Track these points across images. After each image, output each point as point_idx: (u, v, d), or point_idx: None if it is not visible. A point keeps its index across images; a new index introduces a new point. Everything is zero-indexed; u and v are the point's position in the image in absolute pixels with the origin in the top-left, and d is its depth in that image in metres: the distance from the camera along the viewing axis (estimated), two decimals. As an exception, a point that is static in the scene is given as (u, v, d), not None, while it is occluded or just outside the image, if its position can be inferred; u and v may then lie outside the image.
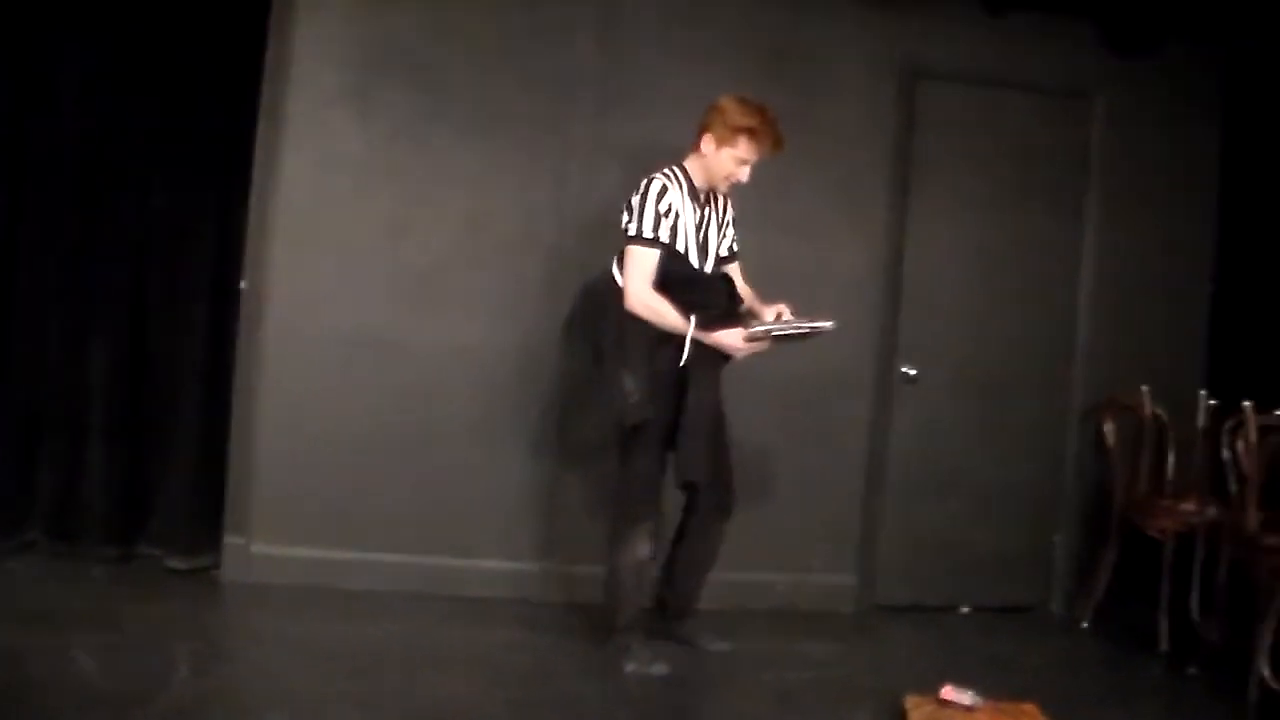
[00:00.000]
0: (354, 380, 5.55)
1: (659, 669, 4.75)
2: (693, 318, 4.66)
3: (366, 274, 5.58)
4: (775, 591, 5.90)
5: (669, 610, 5.16)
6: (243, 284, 5.56)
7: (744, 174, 4.81)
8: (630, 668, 4.76)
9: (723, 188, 4.88)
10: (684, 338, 4.66)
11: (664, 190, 4.72)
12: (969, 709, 4.35)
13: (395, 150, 5.60)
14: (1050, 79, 6.23)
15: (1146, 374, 6.10)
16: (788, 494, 5.88)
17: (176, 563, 5.53)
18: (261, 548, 5.50)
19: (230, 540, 5.55)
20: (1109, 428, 6.20)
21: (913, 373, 6.06)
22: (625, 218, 4.76)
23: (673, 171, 4.82)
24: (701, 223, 4.86)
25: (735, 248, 5.06)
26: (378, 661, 4.66)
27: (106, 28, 5.43)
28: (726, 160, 4.75)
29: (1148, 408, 6.07)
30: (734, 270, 5.04)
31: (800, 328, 4.76)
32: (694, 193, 4.84)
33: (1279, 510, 5.09)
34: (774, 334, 4.74)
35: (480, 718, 4.16)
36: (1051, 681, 5.15)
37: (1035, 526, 6.31)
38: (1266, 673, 4.99)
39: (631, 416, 4.69)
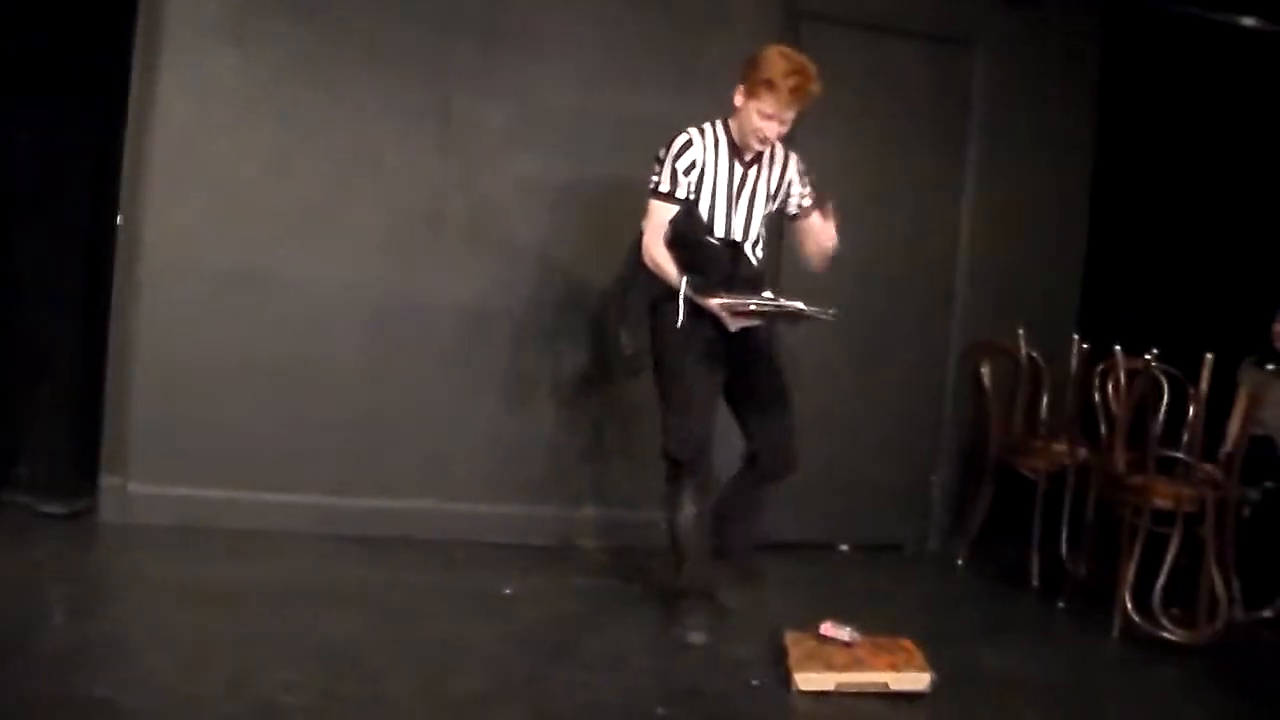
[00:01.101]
0: (234, 317, 5.46)
1: (695, 637, 4.58)
2: (684, 279, 4.55)
3: (246, 209, 5.47)
4: (662, 530, 5.95)
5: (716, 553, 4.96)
6: (119, 218, 5.42)
7: (769, 129, 4.55)
8: (676, 631, 4.62)
9: (754, 145, 4.62)
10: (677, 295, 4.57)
11: (687, 145, 4.59)
12: (847, 644, 4.45)
13: (277, 82, 5.48)
14: (934, 26, 6.32)
15: (1023, 317, 6.24)
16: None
17: (51, 507, 5.38)
18: (139, 488, 5.40)
19: (106, 481, 5.44)
20: (985, 369, 6.35)
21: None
22: (654, 168, 4.64)
23: (710, 127, 4.66)
24: (740, 181, 4.66)
25: (807, 202, 4.78)
26: (260, 601, 4.62)
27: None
28: (751, 114, 4.54)
29: (1023, 350, 6.22)
30: (806, 226, 4.80)
31: (785, 306, 4.52)
32: (735, 150, 4.65)
33: (1145, 451, 5.25)
34: (752, 308, 4.51)
35: (364, 656, 4.14)
36: (927, 616, 5.29)
37: (913, 466, 6.45)
38: (1129, 606, 5.18)
39: (628, 369, 4.71)
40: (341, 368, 5.60)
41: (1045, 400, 6.30)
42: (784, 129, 4.58)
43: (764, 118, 4.52)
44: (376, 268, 5.62)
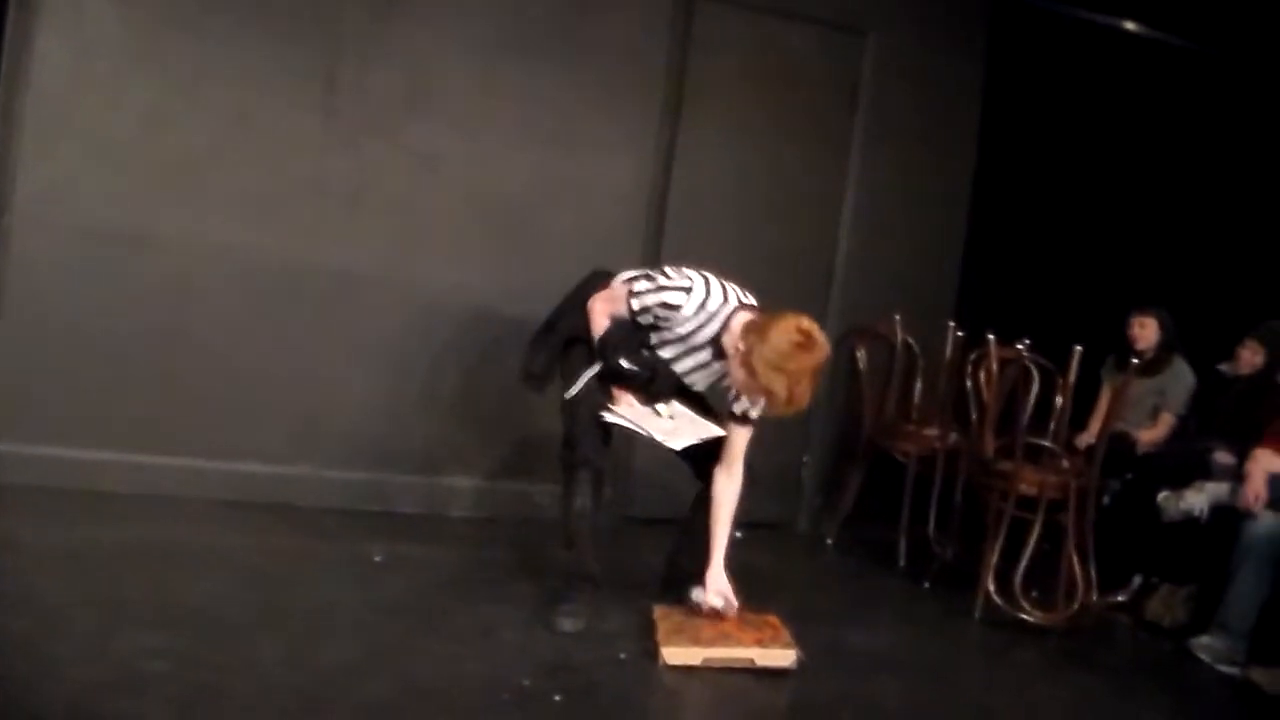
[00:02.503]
0: (105, 275, 5.33)
1: (568, 624, 4.48)
2: (601, 364, 4.56)
3: (121, 165, 5.34)
4: (531, 501, 5.97)
5: (670, 562, 4.95)
6: (-12, 170, 5.27)
7: (741, 391, 4.41)
8: (551, 615, 4.52)
9: (737, 396, 4.47)
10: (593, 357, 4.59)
11: (676, 308, 4.37)
12: (717, 613, 4.50)
13: (157, 37, 5.34)
14: (827, 12, 6.38)
15: (900, 303, 6.35)
16: (554, 406, 5.94)
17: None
18: (4, 447, 5.23)
19: (-31, 439, 5.30)
20: (861, 353, 6.45)
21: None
22: (648, 276, 4.50)
23: (711, 306, 4.39)
24: (702, 361, 4.54)
25: (753, 414, 4.51)
26: (126, 565, 4.55)
27: None
28: (739, 377, 4.31)
29: (899, 336, 6.33)
30: (734, 432, 4.56)
31: (641, 430, 4.52)
32: (716, 343, 4.44)
33: (1013, 438, 5.38)
34: (640, 431, 4.53)
35: (229, 622, 4.10)
36: (795, 594, 5.37)
37: (786, 446, 6.51)
38: (992, 587, 5.31)
39: (530, 387, 4.76)
40: (214, 330, 5.50)
41: (919, 386, 6.42)
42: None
43: (745, 389, 4.37)
44: (252, 229, 5.52)
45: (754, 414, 4.52)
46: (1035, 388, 5.38)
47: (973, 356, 5.72)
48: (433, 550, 5.31)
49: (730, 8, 6.20)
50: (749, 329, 4.27)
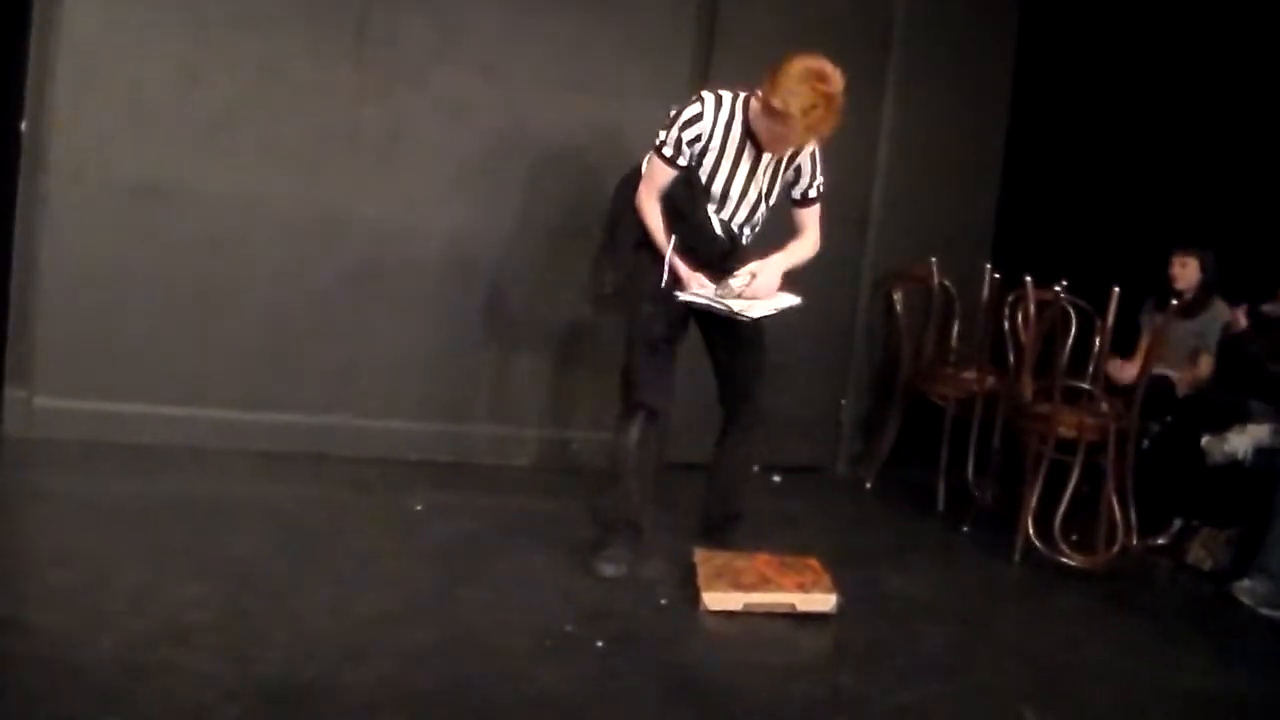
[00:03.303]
0: (142, 228, 5.34)
1: (608, 569, 4.50)
2: (673, 239, 4.47)
3: (154, 119, 5.34)
4: (570, 450, 5.98)
5: (704, 511, 4.94)
6: (22, 125, 5.27)
7: (780, 144, 4.37)
8: (591, 559, 4.55)
9: (768, 149, 4.43)
10: (662, 255, 4.48)
11: (696, 118, 4.39)
12: (752, 555, 4.51)
13: (188, -12, 5.34)
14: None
15: (936, 246, 6.30)
16: (589, 354, 5.95)
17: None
18: (45, 401, 5.31)
19: (11, 393, 5.33)
20: (898, 296, 6.41)
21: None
22: (662, 129, 4.47)
23: (730, 99, 4.43)
24: (752, 162, 4.47)
25: (813, 193, 4.61)
26: (167, 517, 4.58)
27: None
28: (761, 122, 4.33)
29: (936, 279, 6.28)
30: (801, 215, 4.65)
31: (751, 307, 4.42)
32: (748, 130, 4.41)
33: (1052, 381, 5.34)
34: (718, 306, 4.42)
35: (272, 572, 4.13)
36: (834, 538, 5.37)
37: (824, 390, 6.51)
38: (1031, 532, 5.29)
39: (603, 295, 4.70)
40: (249, 282, 5.52)
41: (956, 329, 6.38)
42: (792, 146, 4.42)
43: (770, 135, 4.34)
44: (286, 181, 5.52)
45: (815, 192, 4.63)
46: (1073, 330, 5.34)
47: (1010, 299, 5.68)
48: (473, 499, 5.33)
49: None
50: (763, 84, 4.25)
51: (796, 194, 4.63)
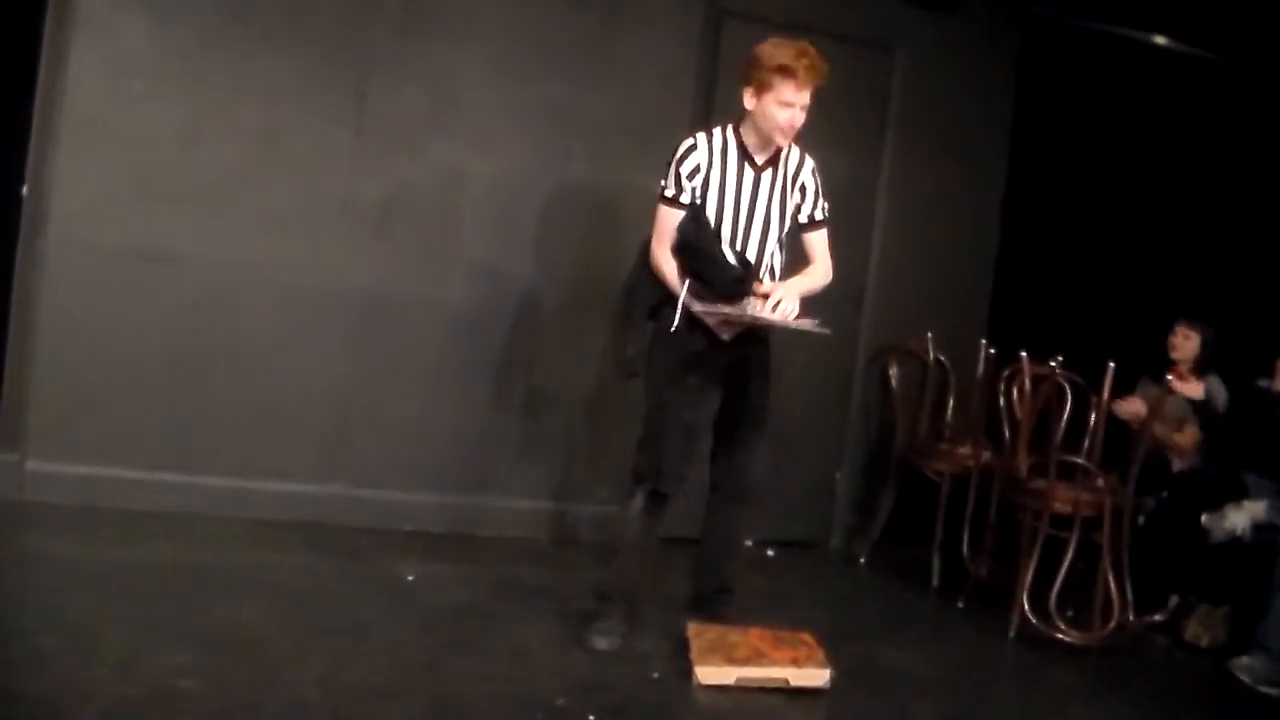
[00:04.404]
0: (139, 292, 5.35)
1: (601, 642, 4.47)
2: (686, 283, 4.43)
3: (154, 184, 5.36)
4: (564, 522, 5.96)
5: (695, 585, 4.87)
6: (24, 189, 5.29)
7: (793, 117, 4.40)
8: (585, 632, 4.51)
9: (780, 140, 4.47)
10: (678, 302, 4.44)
11: (690, 150, 4.45)
12: (746, 629, 4.47)
13: (190, 56, 5.37)
14: (854, 28, 6.34)
15: (932, 320, 6.32)
16: (585, 425, 5.94)
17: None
18: (37, 465, 5.28)
19: (3, 456, 5.30)
20: (893, 371, 6.42)
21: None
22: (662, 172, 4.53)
23: (719, 131, 4.53)
24: (754, 188, 4.50)
25: (818, 215, 4.64)
26: (157, 584, 4.55)
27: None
28: (769, 107, 4.37)
29: (931, 353, 6.30)
30: (809, 239, 4.67)
31: (778, 323, 4.41)
32: (747, 155, 4.49)
33: (1047, 456, 5.33)
34: (747, 321, 4.41)
35: (265, 641, 4.09)
36: (828, 612, 5.34)
37: (819, 464, 6.50)
38: (1026, 607, 5.27)
39: (622, 369, 4.63)
40: (245, 348, 5.52)
41: (951, 403, 6.39)
42: (803, 115, 4.44)
43: (784, 106, 4.37)
44: (283, 248, 5.53)
45: (820, 214, 4.65)
46: (1069, 405, 5.34)
47: (1005, 374, 5.69)
48: (465, 570, 5.29)
49: (758, 26, 6.12)
50: (746, 80, 4.43)
51: (803, 217, 4.63)
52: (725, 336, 4.48)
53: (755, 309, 4.42)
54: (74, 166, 5.27)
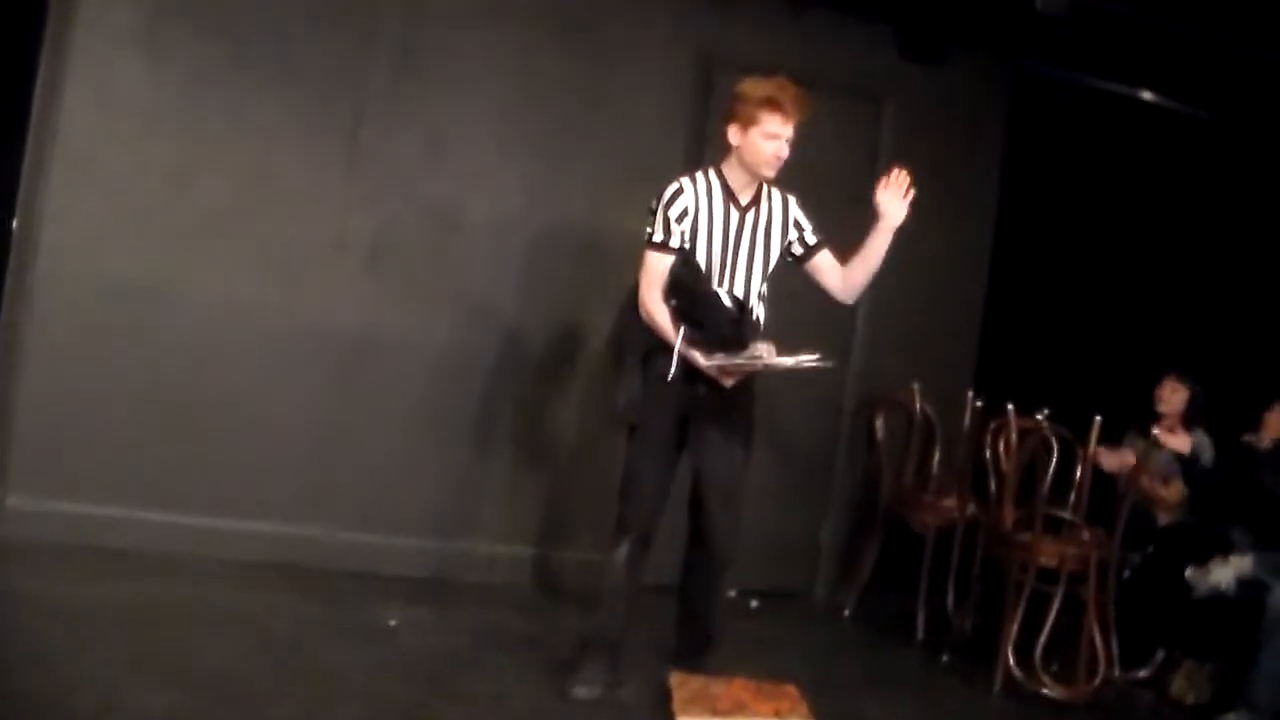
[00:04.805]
0: (126, 330, 5.34)
1: (582, 691, 4.44)
2: (682, 330, 4.39)
3: (145, 221, 5.37)
4: (548, 568, 5.93)
5: (677, 635, 4.81)
6: (13, 222, 5.28)
7: (779, 149, 4.42)
8: (568, 682, 4.47)
9: (767, 173, 4.47)
10: (673, 350, 4.40)
11: (677, 193, 4.44)
12: (729, 680, 4.44)
13: (184, 95, 5.40)
14: (845, 81, 6.38)
15: (919, 372, 6.32)
16: (570, 471, 5.93)
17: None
18: (18, 501, 5.24)
19: (-17, 492, 5.28)
20: (880, 422, 6.41)
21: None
22: (649, 219, 4.52)
23: (702, 174, 4.53)
24: (739, 227, 4.51)
25: (812, 240, 4.67)
26: (137, 624, 4.51)
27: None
28: (756, 141, 4.40)
29: (918, 405, 6.29)
30: (819, 262, 4.69)
31: (776, 365, 4.40)
32: (731, 196, 4.50)
33: (1033, 510, 5.33)
34: (742, 365, 4.40)
35: (245, 684, 4.06)
36: (812, 665, 5.29)
37: (804, 515, 6.48)
38: (1011, 661, 5.24)
39: (617, 417, 4.59)
40: (231, 388, 5.49)
41: (937, 456, 6.38)
42: (788, 148, 4.46)
43: (770, 138, 4.40)
44: (273, 287, 5.53)
45: (818, 235, 4.70)
46: (1055, 458, 5.34)
47: (992, 426, 5.69)
48: (447, 615, 5.25)
49: (746, 75, 6.17)
50: (729, 124, 4.47)
51: (804, 246, 4.67)
52: (728, 383, 4.46)
53: (759, 354, 4.39)
54: (65, 201, 5.26)
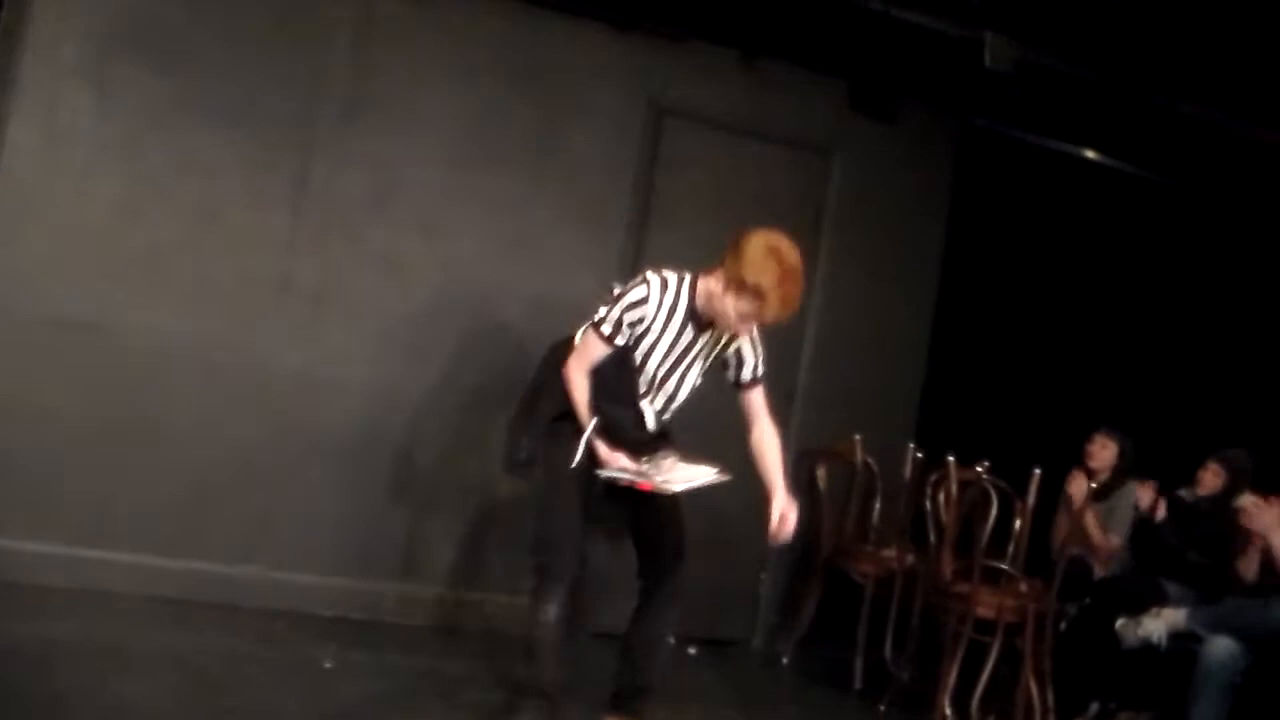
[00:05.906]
0: (65, 364, 5.28)
1: None
2: (594, 420, 4.36)
3: (87, 255, 5.33)
4: (484, 612, 5.88)
5: (615, 683, 4.70)
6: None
7: (751, 325, 4.30)
8: None
9: (732, 330, 4.35)
10: (581, 431, 4.37)
11: (640, 302, 4.29)
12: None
13: (131, 130, 5.38)
14: (794, 132, 6.46)
15: (861, 423, 6.35)
16: (509, 516, 5.90)
17: None
18: (-56, 537, 5.17)
19: (-89, 526, 5.19)
20: (821, 472, 6.42)
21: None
22: (604, 304, 4.41)
23: (675, 283, 4.35)
24: (689, 344, 4.39)
25: (754, 374, 4.50)
26: (67, 662, 4.43)
27: None
28: (731, 308, 4.21)
29: (859, 456, 6.32)
30: (751, 398, 4.54)
31: (674, 481, 4.36)
32: (693, 313, 4.34)
33: (972, 560, 5.36)
34: (641, 481, 4.33)
35: (170, 723, 4.01)
36: (749, 714, 5.30)
37: (744, 563, 6.46)
38: (949, 711, 5.26)
39: (515, 468, 4.54)
40: (170, 425, 5.44)
41: (878, 506, 6.41)
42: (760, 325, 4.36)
43: (741, 317, 4.23)
44: (215, 325, 5.50)
45: (761, 370, 4.51)
46: (994, 510, 5.38)
47: (932, 478, 5.72)
48: (384, 658, 5.20)
49: (698, 125, 6.28)
50: (721, 264, 4.24)
51: (746, 374, 4.50)
52: (621, 483, 4.40)
53: (658, 470, 4.38)
54: (9, 234, 5.22)
